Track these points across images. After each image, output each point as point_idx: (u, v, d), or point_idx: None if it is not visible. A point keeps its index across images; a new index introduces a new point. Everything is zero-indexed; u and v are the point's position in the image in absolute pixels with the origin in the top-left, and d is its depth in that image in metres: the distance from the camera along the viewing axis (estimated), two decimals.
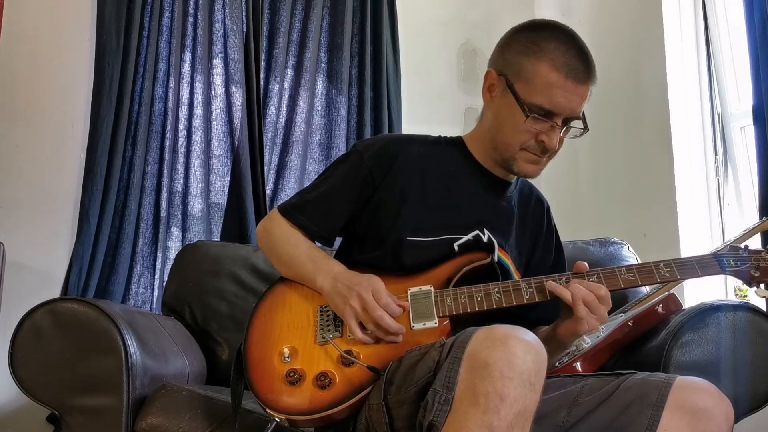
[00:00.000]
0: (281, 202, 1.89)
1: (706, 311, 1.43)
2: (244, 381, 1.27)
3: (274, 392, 1.21)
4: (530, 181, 1.51)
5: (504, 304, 1.27)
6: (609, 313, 1.73)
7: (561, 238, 1.55)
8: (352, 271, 1.32)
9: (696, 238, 2.28)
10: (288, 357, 1.25)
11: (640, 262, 1.79)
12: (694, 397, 1.14)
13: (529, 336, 1.03)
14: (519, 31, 1.37)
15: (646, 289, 1.84)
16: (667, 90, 2.38)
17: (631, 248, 2.04)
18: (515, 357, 0.98)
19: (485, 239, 1.38)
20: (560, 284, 1.25)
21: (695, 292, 2.17)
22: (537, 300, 1.26)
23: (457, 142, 1.47)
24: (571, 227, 2.46)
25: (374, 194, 1.39)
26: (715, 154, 2.36)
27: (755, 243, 1.74)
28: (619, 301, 1.82)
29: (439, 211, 1.39)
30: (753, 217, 2.10)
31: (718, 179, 2.34)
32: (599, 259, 1.97)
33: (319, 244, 1.44)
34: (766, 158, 1.97)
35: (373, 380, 1.19)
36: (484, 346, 1.01)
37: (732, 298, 2.22)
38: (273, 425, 1.20)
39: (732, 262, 1.28)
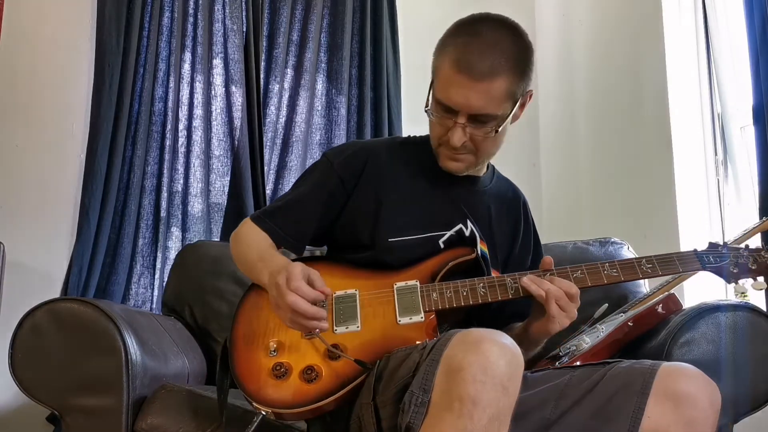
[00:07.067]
0: None
1: (706, 311, 1.43)
2: (230, 375, 1.27)
3: (260, 386, 1.21)
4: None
5: (489, 299, 1.29)
6: (609, 313, 1.74)
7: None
8: (292, 263, 1.28)
9: (696, 238, 2.28)
10: (274, 351, 1.25)
11: None
12: (679, 382, 1.13)
13: (504, 339, 1.03)
14: (451, 27, 1.41)
15: (646, 289, 1.84)
16: (667, 90, 2.38)
17: (631, 248, 2.04)
18: (488, 361, 0.98)
19: (467, 233, 1.40)
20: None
21: (695, 292, 2.17)
22: (522, 295, 1.28)
23: (423, 141, 1.49)
24: (571, 227, 2.46)
25: (348, 201, 1.41)
26: (715, 154, 2.35)
27: (755, 243, 1.74)
28: (619, 301, 1.82)
29: (417, 210, 1.41)
30: (753, 217, 2.10)
31: (718, 179, 2.34)
32: (599, 260, 1.96)
33: (287, 251, 1.44)
34: (766, 158, 1.96)
35: (360, 373, 1.19)
36: (459, 350, 1.01)
37: (732, 298, 2.22)
38: (259, 418, 1.21)
39: (711, 259, 1.32)
